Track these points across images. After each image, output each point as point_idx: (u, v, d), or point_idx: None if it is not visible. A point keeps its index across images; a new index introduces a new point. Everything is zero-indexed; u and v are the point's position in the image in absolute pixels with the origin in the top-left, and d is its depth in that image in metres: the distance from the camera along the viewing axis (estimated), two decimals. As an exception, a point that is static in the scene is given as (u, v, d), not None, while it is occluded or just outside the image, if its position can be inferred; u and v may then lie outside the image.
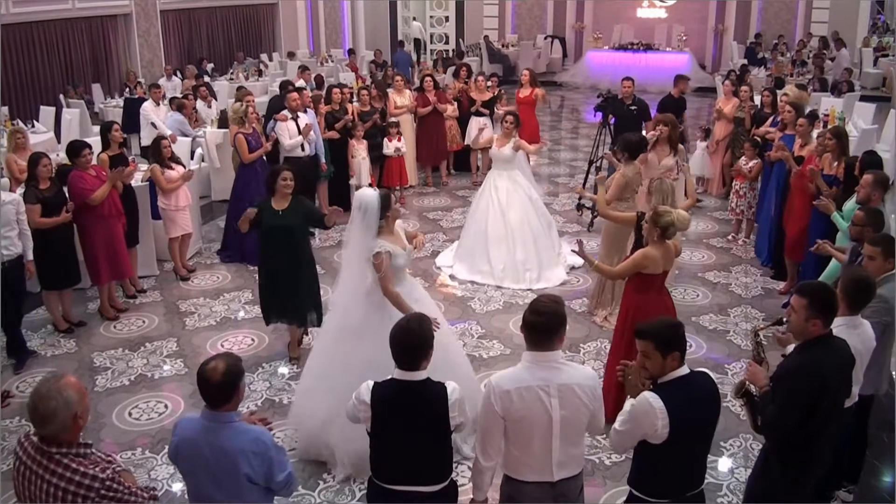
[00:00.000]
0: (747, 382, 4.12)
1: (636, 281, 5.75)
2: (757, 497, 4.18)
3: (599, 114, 11.14)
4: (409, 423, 3.64)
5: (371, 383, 3.71)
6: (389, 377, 3.70)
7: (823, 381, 3.77)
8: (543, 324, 3.62)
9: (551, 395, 3.58)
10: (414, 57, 24.04)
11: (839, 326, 4.09)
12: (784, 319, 4.28)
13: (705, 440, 3.74)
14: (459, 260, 9.14)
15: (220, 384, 3.41)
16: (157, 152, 8.66)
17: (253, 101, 10.18)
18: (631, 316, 5.74)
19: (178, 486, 5.38)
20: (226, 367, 3.44)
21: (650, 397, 3.53)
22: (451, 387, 3.67)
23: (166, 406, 6.41)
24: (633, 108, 10.89)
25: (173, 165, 8.76)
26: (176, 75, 16.95)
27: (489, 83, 13.09)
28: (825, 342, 3.90)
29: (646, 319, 5.59)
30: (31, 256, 6.98)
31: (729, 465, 5.59)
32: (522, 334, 3.72)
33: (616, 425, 3.73)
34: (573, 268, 9.09)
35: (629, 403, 3.67)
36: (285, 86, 11.12)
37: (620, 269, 5.89)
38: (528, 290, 8.48)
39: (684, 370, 3.62)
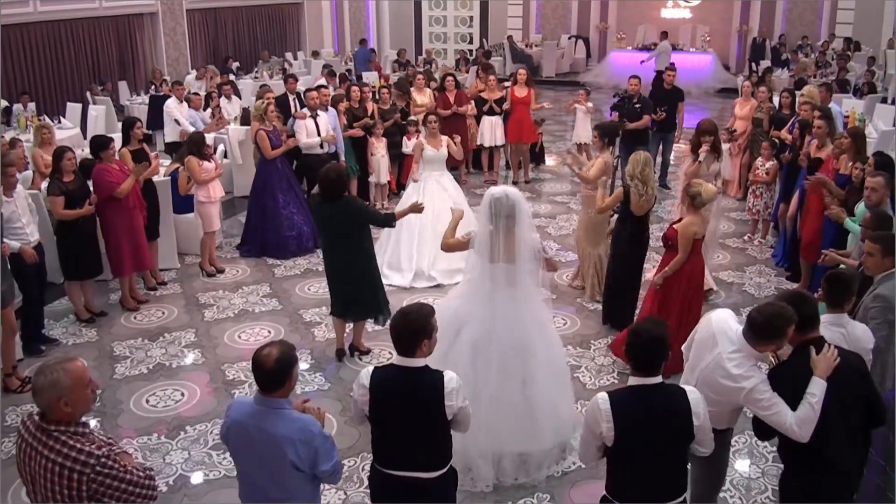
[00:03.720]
0: None
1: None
2: None
3: (615, 113, 11.31)
4: (406, 409, 3.73)
5: (371, 368, 3.82)
6: (389, 362, 3.81)
7: (794, 387, 3.74)
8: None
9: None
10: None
11: (822, 324, 4.06)
12: None
13: (665, 452, 3.59)
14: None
15: (272, 370, 3.47)
16: (198, 145, 8.82)
17: (273, 98, 10.34)
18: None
19: (192, 472, 5.53)
20: (279, 353, 3.49)
21: (600, 399, 3.58)
22: (449, 376, 3.75)
23: (183, 394, 6.56)
24: (637, 105, 11.23)
25: (210, 158, 8.97)
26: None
27: (508, 83, 13.19)
28: (809, 348, 3.84)
29: (682, 278, 6.42)
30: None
31: (733, 461, 5.63)
32: None
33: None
34: None
35: None
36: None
37: (682, 251, 6.44)
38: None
39: (657, 380, 3.57)
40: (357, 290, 6.88)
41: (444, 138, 9.17)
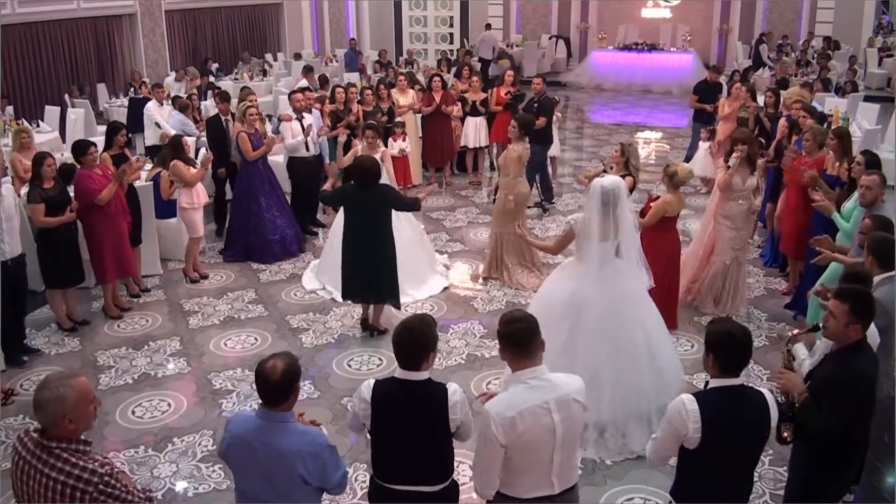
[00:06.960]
0: (777, 393, 4.04)
1: (656, 224, 7.15)
2: None
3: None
4: (409, 423, 3.63)
5: (372, 381, 3.72)
6: (391, 375, 3.71)
7: (871, 387, 3.77)
8: (522, 330, 3.54)
9: (552, 410, 3.48)
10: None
11: None
12: (821, 325, 4.26)
13: (745, 456, 3.64)
14: (322, 273, 8.79)
15: (278, 384, 3.37)
16: (178, 149, 8.73)
17: (255, 100, 10.19)
18: (645, 249, 6.45)
19: (181, 486, 5.42)
20: (285, 366, 3.39)
21: (686, 399, 3.52)
22: (453, 388, 3.67)
23: (169, 404, 6.43)
24: (535, 104, 11.47)
25: (193, 164, 8.89)
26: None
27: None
28: (864, 348, 3.87)
29: (658, 253, 6.85)
30: None
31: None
32: (502, 353, 3.63)
33: (654, 434, 3.81)
34: (447, 267, 9.36)
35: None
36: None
37: (648, 219, 7.19)
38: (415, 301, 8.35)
39: (738, 381, 3.56)
40: (379, 273, 7.26)
41: (382, 150, 9.11)
